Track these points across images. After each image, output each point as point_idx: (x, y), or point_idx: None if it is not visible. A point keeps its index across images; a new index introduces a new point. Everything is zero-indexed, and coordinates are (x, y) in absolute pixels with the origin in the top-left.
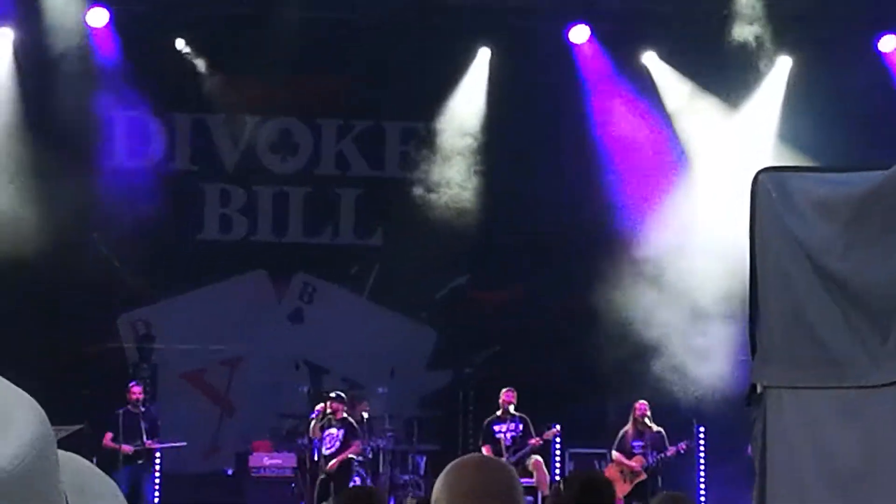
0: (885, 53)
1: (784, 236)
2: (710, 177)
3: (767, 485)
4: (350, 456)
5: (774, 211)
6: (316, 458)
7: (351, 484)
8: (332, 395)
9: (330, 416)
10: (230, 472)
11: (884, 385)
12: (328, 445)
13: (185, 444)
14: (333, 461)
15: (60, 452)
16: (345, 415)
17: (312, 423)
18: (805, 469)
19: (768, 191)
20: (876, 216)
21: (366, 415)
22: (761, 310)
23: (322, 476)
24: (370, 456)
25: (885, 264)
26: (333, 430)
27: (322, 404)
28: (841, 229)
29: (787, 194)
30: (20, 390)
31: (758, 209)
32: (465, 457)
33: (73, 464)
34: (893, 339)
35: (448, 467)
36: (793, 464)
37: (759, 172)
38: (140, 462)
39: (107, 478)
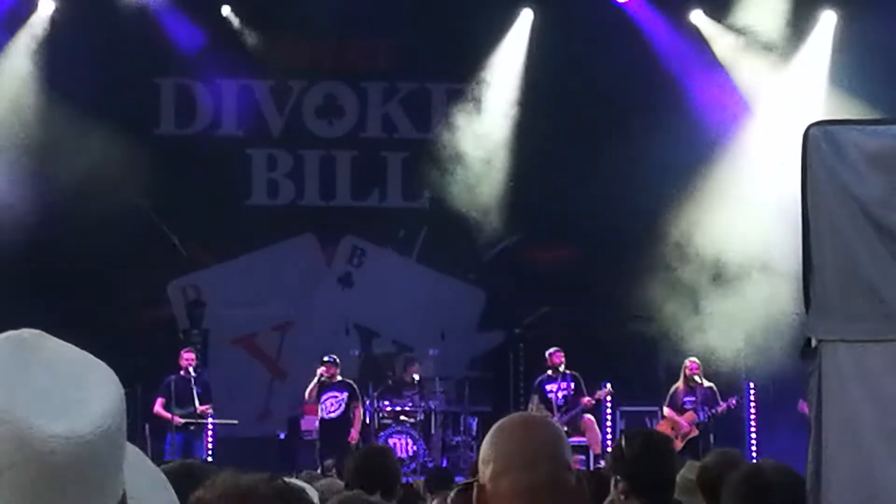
0: None
1: (837, 190)
2: (770, 129)
3: (823, 439)
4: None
5: (827, 165)
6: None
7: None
8: (326, 358)
9: (326, 380)
10: (282, 436)
11: None
12: (329, 409)
13: (236, 422)
14: (353, 432)
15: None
16: (341, 377)
17: (310, 387)
18: (861, 423)
19: (820, 145)
20: None
21: (417, 377)
22: (815, 264)
23: (319, 437)
24: (420, 417)
25: None
26: (335, 393)
27: (323, 369)
28: (894, 182)
29: (839, 147)
30: (101, 363)
31: (810, 164)
32: (510, 417)
33: (130, 457)
34: None
35: (493, 428)
36: (849, 418)
37: (809, 126)
38: (192, 428)
39: (136, 448)
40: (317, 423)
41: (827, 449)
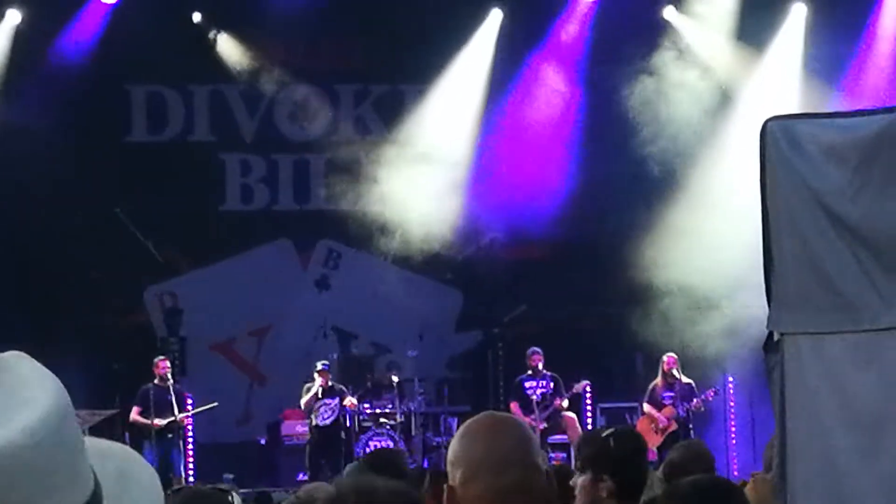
0: None
1: (795, 183)
2: (747, 121)
3: (787, 430)
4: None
5: (784, 158)
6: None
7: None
8: (319, 366)
9: (320, 389)
10: (262, 441)
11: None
12: (323, 416)
13: (216, 403)
14: None
15: (106, 441)
16: (331, 384)
17: (307, 397)
18: (825, 414)
19: (777, 139)
20: (883, 160)
21: (396, 379)
22: (775, 257)
23: (312, 444)
24: (400, 419)
25: (893, 208)
26: (327, 400)
27: (321, 379)
28: (850, 173)
29: (795, 141)
30: (41, 368)
31: (768, 158)
32: (478, 418)
33: (117, 451)
34: None
35: (461, 430)
36: (812, 409)
37: (767, 121)
38: (170, 436)
39: (149, 466)
40: (300, 429)
41: (791, 440)
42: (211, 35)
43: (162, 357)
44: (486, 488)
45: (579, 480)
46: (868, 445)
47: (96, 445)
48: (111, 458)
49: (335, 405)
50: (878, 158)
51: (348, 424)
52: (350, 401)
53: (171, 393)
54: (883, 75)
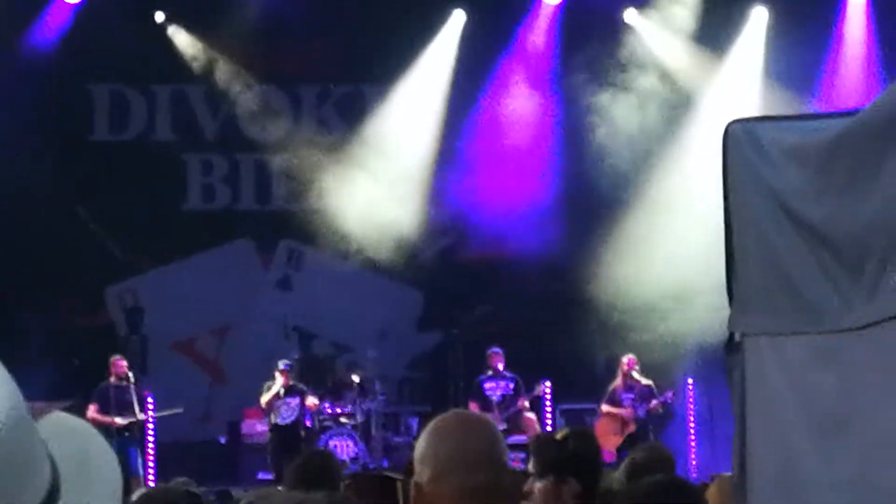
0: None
1: (757, 185)
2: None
3: (748, 432)
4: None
5: (746, 161)
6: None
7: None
8: (281, 365)
9: (282, 388)
10: (223, 440)
11: (857, 329)
12: (284, 416)
13: (181, 409)
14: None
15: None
16: (292, 382)
17: (269, 395)
18: (785, 415)
19: (739, 141)
20: (845, 161)
21: (356, 379)
22: (737, 258)
23: (273, 443)
24: (361, 419)
25: (856, 209)
26: (288, 399)
27: (282, 378)
28: (812, 176)
29: (757, 143)
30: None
31: (730, 160)
32: (447, 416)
33: (81, 431)
34: (864, 283)
35: (430, 427)
36: (772, 410)
37: (729, 123)
38: (128, 434)
39: (109, 449)
40: (261, 428)
41: (751, 441)
42: (168, 31)
43: (119, 356)
44: (456, 487)
45: (537, 485)
46: (827, 447)
47: (63, 423)
48: (75, 439)
49: (296, 405)
50: (839, 160)
51: (308, 424)
52: (312, 401)
53: (132, 392)
54: (847, 80)
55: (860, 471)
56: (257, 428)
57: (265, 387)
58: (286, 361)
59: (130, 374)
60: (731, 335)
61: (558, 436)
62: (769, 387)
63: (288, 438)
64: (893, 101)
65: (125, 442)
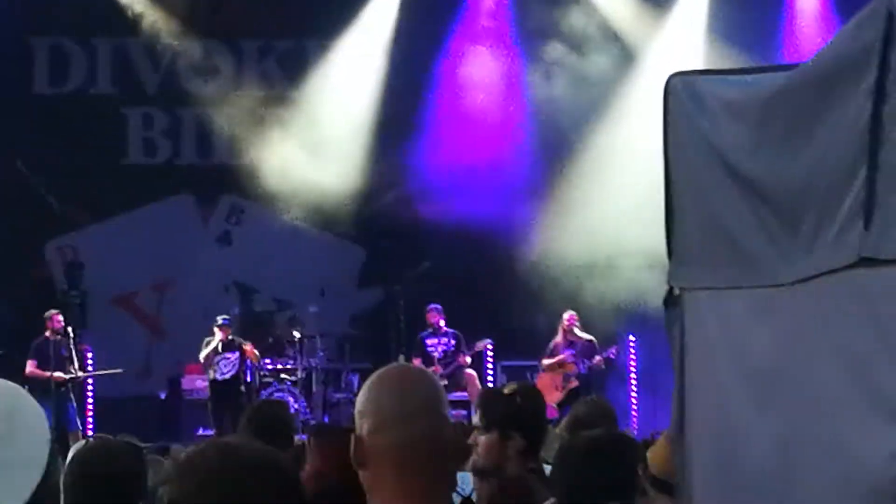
0: None
1: (697, 140)
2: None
3: (686, 385)
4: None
5: (687, 115)
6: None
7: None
8: (220, 320)
9: (220, 343)
10: (163, 395)
11: (794, 283)
12: (223, 371)
13: (121, 370)
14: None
15: None
16: (231, 337)
17: (207, 350)
18: (722, 369)
19: (680, 95)
20: (782, 117)
21: (297, 335)
22: (676, 213)
23: (213, 398)
24: (302, 375)
25: (793, 163)
26: (227, 354)
27: (221, 333)
28: (750, 130)
29: (698, 97)
30: None
31: (670, 114)
32: (387, 369)
33: (7, 389)
34: (802, 237)
35: (370, 380)
36: (710, 364)
37: (670, 77)
38: (65, 390)
39: (38, 407)
40: (201, 384)
41: (688, 395)
42: None
43: (55, 311)
44: (395, 438)
45: (483, 439)
46: (761, 400)
47: None
48: (2, 396)
49: (235, 359)
50: (777, 115)
51: (249, 379)
52: (250, 350)
53: (71, 347)
54: (794, 36)
55: (792, 425)
56: (197, 384)
57: (204, 342)
58: (225, 317)
59: (70, 330)
60: (671, 289)
61: (505, 391)
62: (707, 340)
63: (228, 393)
64: (832, 55)
65: (63, 397)
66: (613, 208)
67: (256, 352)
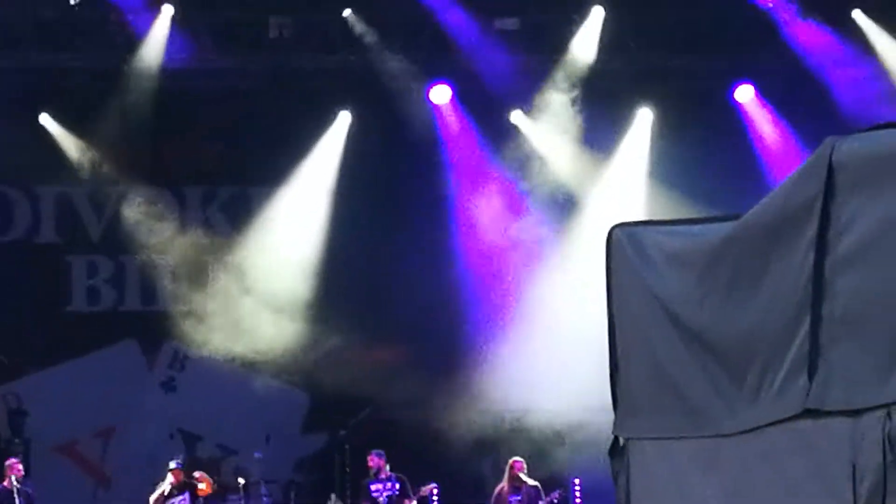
0: (742, 103)
1: (641, 290)
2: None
3: None
4: None
5: (630, 265)
6: None
7: None
8: (172, 465)
9: (170, 486)
10: None
11: (739, 433)
12: None
13: None
14: None
15: None
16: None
17: (155, 496)
18: None
19: (623, 245)
20: (727, 267)
21: (242, 482)
22: (621, 363)
23: None
24: None
25: (738, 314)
26: (176, 501)
27: (172, 477)
28: (695, 281)
29: (641, 248)
30: None
31: (613, 264)
32: None
33: None
34: (747, 387)
35: None
36: None
37: (612, 228)
38: None
39: None
40: None
41: None
42: (53, 132)
43: (15, 459)
44: None
45: None
46: None
47: None
48: None
49: (184, 501)
50: (724, 263)
51: None
52: (205, 488)
53: (18, 496)
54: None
55: None
56: None
57: (157, 486)
58: (178, 460)
59: (17, 479)
60: (616, 439)
61: None
62: (655, 490)
63: None
64: (777, 205)
65: None
66: (558, 361)
67: (211, 479)
